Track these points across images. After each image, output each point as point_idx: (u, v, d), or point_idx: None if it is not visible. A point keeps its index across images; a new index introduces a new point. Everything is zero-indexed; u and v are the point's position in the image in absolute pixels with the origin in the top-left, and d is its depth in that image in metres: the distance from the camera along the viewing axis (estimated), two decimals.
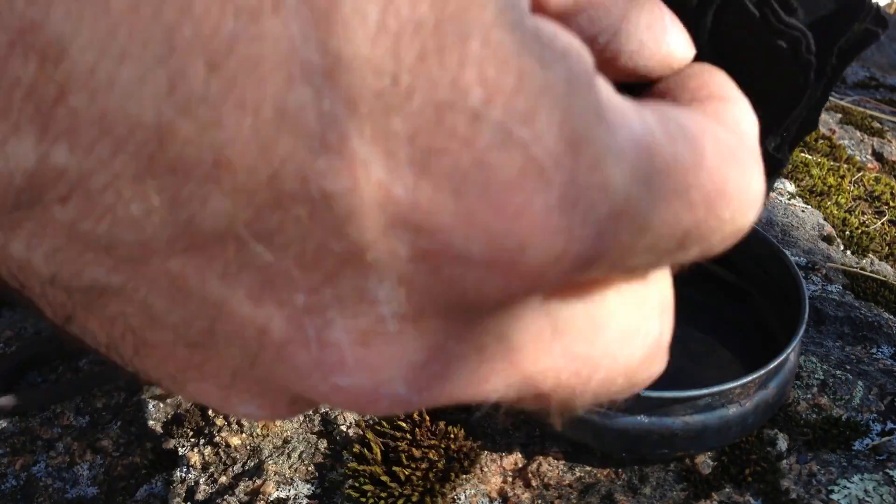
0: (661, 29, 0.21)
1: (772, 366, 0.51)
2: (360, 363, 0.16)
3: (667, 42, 0.21)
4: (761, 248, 0.64)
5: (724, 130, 0.18)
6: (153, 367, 0.17)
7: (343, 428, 0.58)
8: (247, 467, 0.56)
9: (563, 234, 0.15)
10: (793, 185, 0.92)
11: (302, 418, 0.60)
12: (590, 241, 0.15)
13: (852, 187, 0.94)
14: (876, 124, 1.14)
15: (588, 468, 0.55)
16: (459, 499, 0.52)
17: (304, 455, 0.57)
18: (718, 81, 0.21)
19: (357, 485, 0.53)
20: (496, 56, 0.14)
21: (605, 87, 0.16)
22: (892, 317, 0.70)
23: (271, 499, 0.53)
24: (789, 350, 0.53)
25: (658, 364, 0.19)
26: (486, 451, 0.56)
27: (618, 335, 0.18)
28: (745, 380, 0.51)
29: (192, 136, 0.14)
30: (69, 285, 0.16)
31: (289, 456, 0.57)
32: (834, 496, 0.51)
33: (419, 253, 0.15)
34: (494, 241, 0.15)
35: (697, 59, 0.23)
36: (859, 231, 0.85)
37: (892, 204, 0.92)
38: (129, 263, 0.15)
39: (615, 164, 0.15)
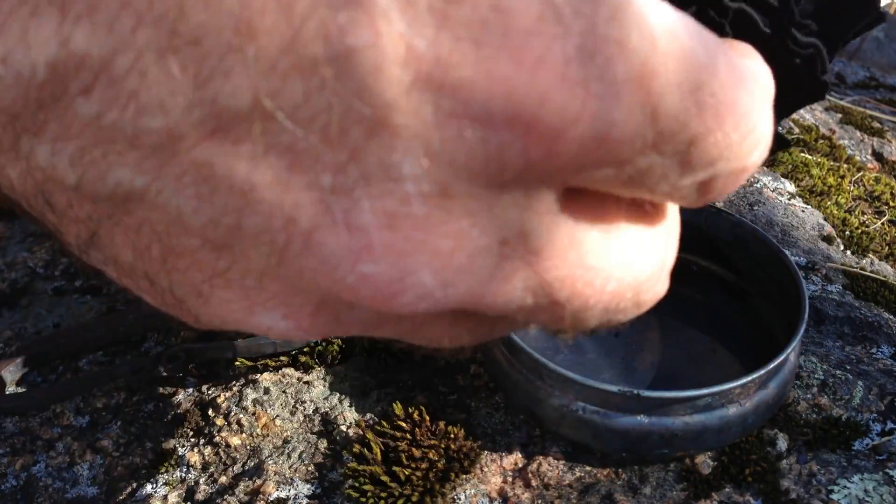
0: None
1: (772, 366, 0.51)
2: (388, 248, 0.15)
3: None
4: (761, 248, 0.64)
5: (741, 63, 0.18)
6: (179, 279, 0.17)
7: (343, 428, 0.58)
8: (247, 467, 0.56)
9: (581, 88, 0.15)
10: (793, 185, 0.92)
11: (302, 418, 0.60)
12: (606, 103, 0.15)
13: (852, 187, 0.94)
14: (876, 124, 1.14)
15: (588, 468, 0.55)
16: (459, 499, 0.52)
17: (304, 455, 0.57)
18: (749, 49, 0.20)
19: (357, 485, 0.53)
20: None
21: None
22: (892, 317, 0.70)
23: (271, 499, 0.53)
24: (789, 350, 0.53)
25: (662, 285, 0.19)
26: (486, 451, 0.56)
27: (628, 250, 0.18)
28: (744, 380, 0.51)
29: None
30: (95, 192, 0.15)
31: (289, 456, 0.57)
32: (834, 496, 0.51)
33: (442, 115, 0.14)
34: (514, 95, 0.14)
35: None
36: (859, 231, 0.85)
37: (892, 204, 0.92)
38: (154, 157, 0.15)
39: (634, 22, 0.15)
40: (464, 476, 0.54)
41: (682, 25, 0.16)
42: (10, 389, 0.64)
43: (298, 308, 0.17)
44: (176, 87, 0.14)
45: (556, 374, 0.52)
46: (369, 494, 0.52)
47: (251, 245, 0.16)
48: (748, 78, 0.17)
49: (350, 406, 0.61)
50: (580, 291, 0.17)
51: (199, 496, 0.55)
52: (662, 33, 0.15)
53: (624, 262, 0.18)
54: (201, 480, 0.56)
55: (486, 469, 0.54)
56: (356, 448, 0.55)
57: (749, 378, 0.51)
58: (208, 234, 0.16)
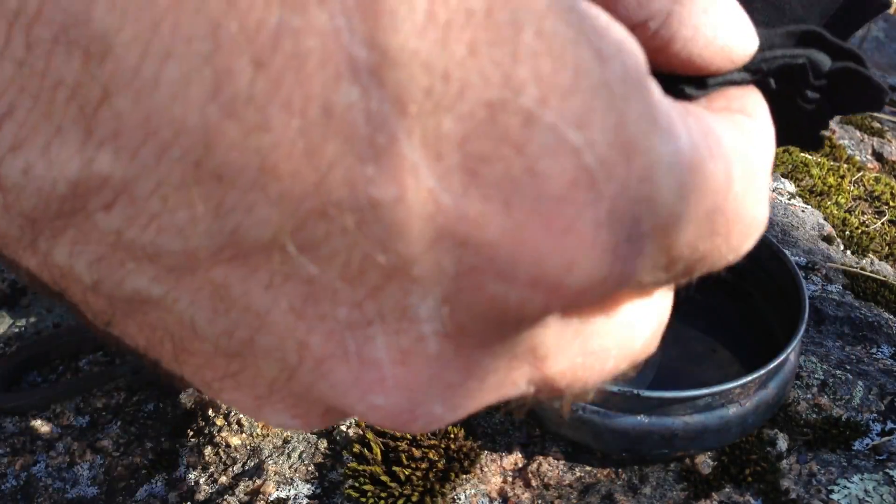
0: (721, 13, 0.19)
1: (772, 366, 0.51)
2: (399, 382, 0.16)
3: (727, 29, 0.19)
4: (761, 249, 0.64)
5: (752, 151, 0.18)
6: (191, 373, 0.17)
7: (343, 428, 0.58)
8: (247, 467, 0.56)
9: (609, 253, 0.14)
10: (793, 185, 0.92)
11: None
12: (630, 260, 0.15)
13: (852, 187, 0.94)
14: (876, 124, 1.14)
15: (588, 468, 0.55)
16: (459, 499, 0.52)
17: (304, 455, 0.57)
18: (753, 98, 0.20)
19: (357, 485, 0.53)
20: (551, 49, 0.14)
21: (655, 88, 0.15)
22: (892, 317, 0.70)
23: (271, 499, 0.53)
24: (789, 350, 0.53)
25: (654, 344, 0.20)
26: (486, 451, 0.56)
27: (627, 327, 0.18)
28: (744, 380, 0.50)
29: (237, 139, 0.13)
30: (111, 294, 0.15)
31: (289, 456, 0.57)
32: (834, 496, 0.51)
33: (464, 269, 0.14)
34: (541, 260, 0.14)
35: None
36: (859, 231, 0.85)
37: (892, 204, 0.92)
38: (172, 273, 0.15)
39: (665, 176, 0.15)
40: (464, 476, 0.54)
41: (706, 144, 0.16)
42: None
43: (307, 411, 0.17)
44: (197, 216, 0.14)
45: None
46: (369, 494, 0.52)
47: (263, 358, 0.16)
48: (756, 171, 0.18)
49: None
50: (581, 377, 0.18)
51: (199, 496, 0.55)
52: (690, 171, 0.15)
53: (624, 338, 0.18)
54: (201, 480, 0.56)
55: (486, 469, 0.54)
56: (356, 448, 0.55)
57: (749, 378, 0.51)
58: (221, 344, 0.16)
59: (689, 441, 0.52)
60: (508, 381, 0.17)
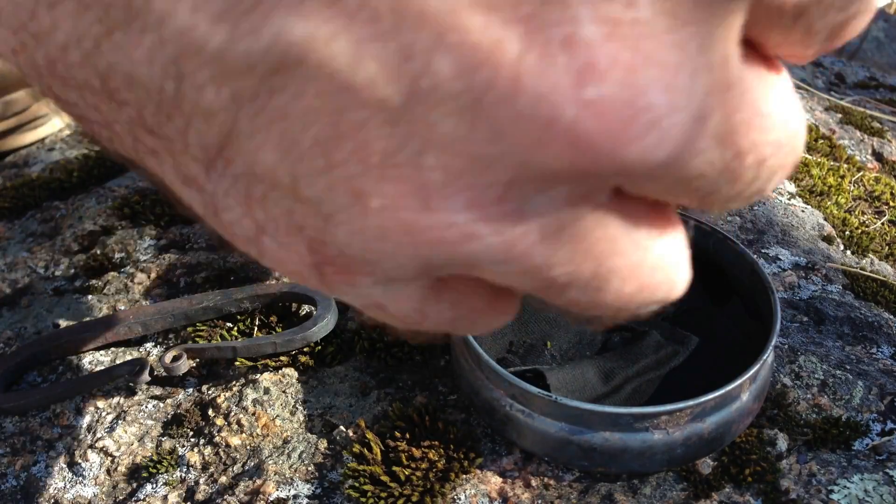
0: None
1: (705, 399, 0.49)
2: (614, 62, 0.13)
3: None
4: (741, 265, 0.63)
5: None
6: (337, 176, 0.15)
7: (343, 428, 0.58)
8: (247, 467, 0.56)
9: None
10: (793, 185, 0.92)
11: (302, 418, 0.60)
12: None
13: (852, 187, 0.94)
14: (876, 124, 1.14)
15: None
16: (459, 499, 0.52)
17: (304, 455, 0.57)
18: None
19: (357, 485, 0.53)
20: None
21: None
22: (892, 317, 0.70)
23: (271, 499, 0.53)
24: (730, 387, 0.50)
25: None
26: (486, 451, 0.56)
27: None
28: (670, 407, 0.49)
29: None
30: (246, 52, 0.13)
31: (289, 456, 0.57)
32: (834, 496, 0.51)
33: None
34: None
35: None
36: (859, 231, 0.85)
37: (892, 204, 0.92)
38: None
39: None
40: (464, 476, 0.54)
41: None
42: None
43: (484, 191, 0.14)
44: None
45: (489, 367, 0.52)
46: (369, 494, 0.52)
47: (438, 102, 0.13)
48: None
49: (350, 406, 0.61)
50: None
51: (199, 496, 0.55)
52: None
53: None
54: (201, 480, 0.56)
55: (486, 469, 0.55)
56: (356, 448, 0.55)
57: (675, 407, 0.49)
58: (386, 95, 0.13)
59: (608, 458, 0.51)
60: (728, 67, 0.14)
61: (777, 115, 0.16)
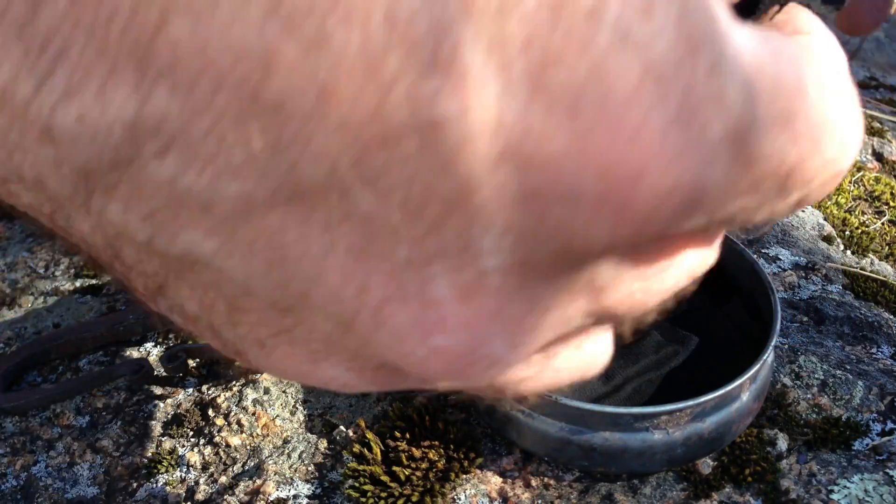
0: None
1: (705, 399, 0.49)
2: (461, 321, 0.15)
3: None
4: (741, 265, 0.63)
5: (818, 59, 0.17)
6: (244, 333, 0.17)
7: (343, 428, 0.58)
8: (247, 467, 0.56)
9: (678, 159, 0.14)
10: None
11: (302, 418, 0.60)
12: (702, 169, 0.14)
13: (852, 187, 0.94)
14: (876, 124, 1.14)
15: None
16: (459, 499, 0.52)
17: (304, 455, 0.57)
18: (803, 17, 0.20)
19: (357, 485, 0.53)
20: None
21: None
22: (892, 317, 0.70)
23: (271, 499, 0.53)
24: (730, 387, 0.50)
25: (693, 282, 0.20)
26: (486, 451, 0.56)
27: (686, 260, 0.18)
28: (670, 407, 0.49)
29: (297, 60, 0.13)
30: (165, 252, 0.15)
31: (289, 456, 0.57)
32: (834, 496, 0.51)
33: (528, 192, 0.14)
34: (608, 170, 0.14)
35: None
36: (859, 231, 0.85)
37: (892, 204, 0.92)
38: (227, 223, 0.14)
39: (730, 73, 0.14)
40: (464, 476, 0.54)
41: (767, 50, 0.15)
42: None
43: (362, 365, 0.17)
44: (254, 153, 0.13)
45: None
46: (369, 494, 0.52)
47: (319, 311, 0.15)
48: (831, 73, 0.17)
49: (350, 406, 0.61)
50: (638, 302, 0.17)
51: (199, 496, 0.55)
52: (755, 73, 0.15)
53: (686, 266, 0.18)
54: (201, 480, 0.56)
55: (486, 469, 0.55)
56: (356, 448, 0.55)
57: (675, 407, 0.49)
58: (275, 298, 0.15)
59: (608, 458, 0.51)
60: (568, 315, 0.16)
61: (668, 275, 0.18)
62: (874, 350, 0.66)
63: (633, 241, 0.15)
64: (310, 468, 0.56)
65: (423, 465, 0.53)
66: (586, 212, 0.14)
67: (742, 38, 0.14)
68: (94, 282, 0.77)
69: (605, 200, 0.14)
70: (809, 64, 0.16)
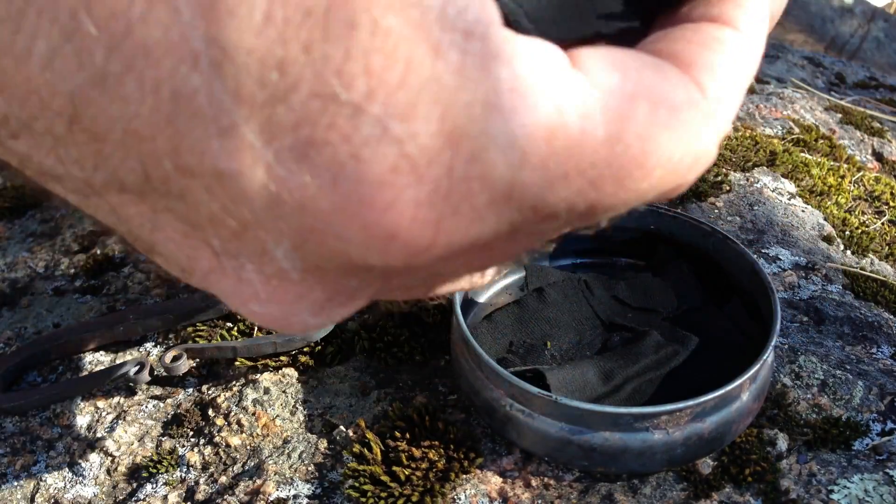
0: None
1: (705, 399, 0.49)
2: (271, 297, 0.18)
3: None
4: (741, 265, 0.63)
5: (682, 83, 0.18)
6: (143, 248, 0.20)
7: (343, 428, 0.58)
8: (247, 467, 0.56)
9: (431, 227, 0.16)
10: (793, 185, 0.92)
11: (302, 418, 0.60)
12: (465, 227, 0.17)
13: (852, 187, 0.94)
14: (876, 124, 1.14)
15: None
16: (459, 499, 0.52)
17: (304, 455, 0.57)
18: (739, 6, 0.20)
19: (357, 485, 0.53)
20: (384, 45, 0.15)
21: (521, 61, 0.16)
22: (892, 317, 0.70)
23: (271, 499, 0.53)
24: (730, 387, 0.50)
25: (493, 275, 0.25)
26: (486, 451, 0.56)
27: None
28: (670, 407, 0.49)
29: (103, 106, 0.15)
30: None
31: (289, 456, 0.57)
32: (834, 496, 0.51)
33: (306, 228, 0.17)
34: (367, 231, 0.16)
35: None
36: (859, 231, 0.85)
37: (892, 204, 0.92)
38: (78, 192, 0.18)
39: (500, 153, 0.16)
40: (464, 476, 0.54)
41: (578, 106, 0.17)
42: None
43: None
44: (84, 156, 0.16)
45: (489, 367, 0.52)
46: (369, 494, 0.52)
47: (166, 259, 0.19)
48: (686, 103, 0.18)
49: (350, 406, 0.61)
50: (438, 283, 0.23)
51: (199, 496, 0.55)
52: (539, 140, 0.16)
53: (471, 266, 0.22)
54: (201, 480, 0.56)
55: (486, 469, 0.55)
56: (356, 448, 0.55)
57: (675, 407, 0.49)
58: (136, 245, 0.19)
59: (608, 458, 0.51)
60: (367, 294, 0.20)
61: None
62: (874, 350, 0.66)
63: (413, 268, 0.18)
64: (310, 468, 0.56)
65: (423, 465, 0.53)
66: (358, 249, 0.17)
67: (543, 106, 0.16)
68: (94, 282, 0.77)
69: (370, 246, 0.17)
70: (660, 93, 0.18)
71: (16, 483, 0.57)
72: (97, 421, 0.61)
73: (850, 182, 0.94)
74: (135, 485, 0.56)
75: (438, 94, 0.15)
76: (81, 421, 0.62)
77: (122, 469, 0.58)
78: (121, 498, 0.56)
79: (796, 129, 1.07)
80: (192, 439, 0.59)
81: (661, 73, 0.18)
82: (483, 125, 0.16)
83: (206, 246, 0.18)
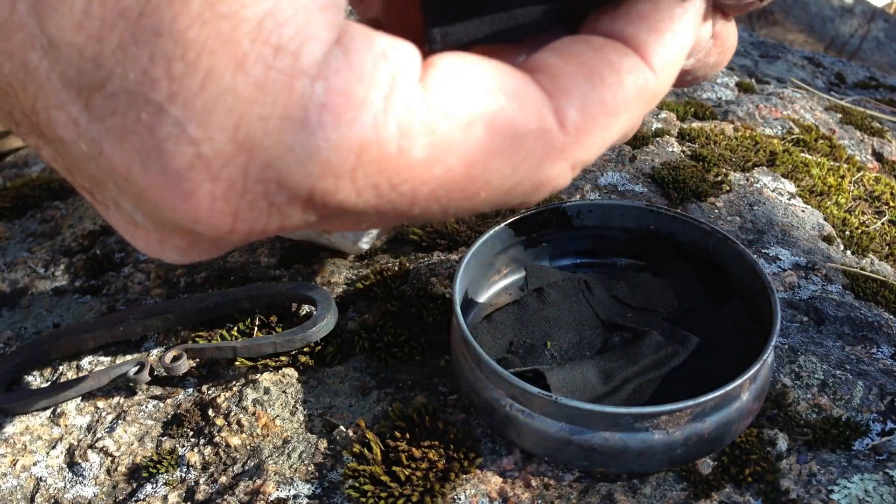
0: None
1: (705, 399, 0.49)
2: (137, 238, 0.22)
3: None
4: (741, 265, 0.63)
5: (537, 111, 0.20)
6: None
7: (343, 428, 0.58)
8: (247, 467, 0.56)
9: (229, 217, 0.19)
10: (793, 185, 0.92)
11: (302, 418, 0.60)
12: (264, 219, 0.19)
13: (852, 187, 0.94)
14: (876, 124, 1.14)
15: None
16: (459, 499, 0.52)
17: (304, 455, 0.57)
18: (662, 16, 0.22)
19: (357, 485, 0.53)
20: (186, 55, 0.17)
21: (342, 76, 0.18)
22: (892, 317, 0.70)
23: (271, 499, 0.53)
24: (730, 387, 0.50)
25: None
26: (486, 451, 0.56)
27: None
28: (671, 407, 0.49)
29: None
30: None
31: (289, 456, 0.57)
32: (834, 496, 0.51)
33: (136, 196, 0.19)
34: (175, 211, 0.19)
35: None
36: (859, 231, 0.85)
37: (892, 204, 0.92)
38: (13, 123, 0.21)
39: (296, 162, 0.18)
40: (464, 476, 0.54)
41: (408, 122, 0.18)
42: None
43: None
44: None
45: (489, 367, 0.52)
46: (369, 494, 0.52)
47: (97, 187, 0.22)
48: (537, 132, 0.20)
49: (350, 406, 0.61)
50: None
51: (199, 496, 0.55)
52: (353, 154, 0.18)
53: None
54: (201, 480, 0.56)
55: (486, 469, 0.55)
56: (356, 448, 0.55)
57: (675, 407, 0.49)
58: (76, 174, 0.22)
59: (608, 458, 0.51)
60: (229, 244, 0.22)
61: None
62: (874, 350, 0.66)
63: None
64: (310, 468, 0.56)
65: (423, 465, 0.53)
66: (176, 222, 0.20)
67: (360, 124, 0.18)
68: (94, 282, 0.77)
69: (183, 223, 0.19)
70: (488, 124, 0.19)
71: (16, 483, 0.57)
72: (97, 421, 0.61)
73: (850, 182, 0.94)
74: (135, 485, 0.56)
75: (234, 105, 0.17)
76: (81, 421, 0.62)
77: (122, 469, 0.58)
78: (121, 498, 0.56)
79: (796, 129, 1.07)
80: (192, 439, 0.59)
81: (516, 99, 0.19)
82: (278, 137, 0.18)
83: (81, 187, 0.21)
